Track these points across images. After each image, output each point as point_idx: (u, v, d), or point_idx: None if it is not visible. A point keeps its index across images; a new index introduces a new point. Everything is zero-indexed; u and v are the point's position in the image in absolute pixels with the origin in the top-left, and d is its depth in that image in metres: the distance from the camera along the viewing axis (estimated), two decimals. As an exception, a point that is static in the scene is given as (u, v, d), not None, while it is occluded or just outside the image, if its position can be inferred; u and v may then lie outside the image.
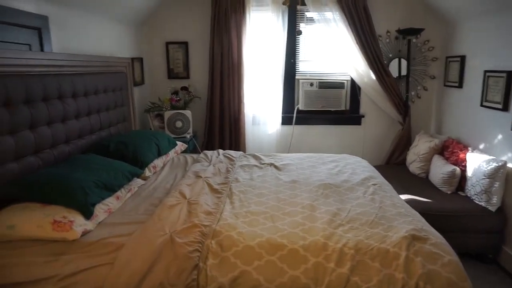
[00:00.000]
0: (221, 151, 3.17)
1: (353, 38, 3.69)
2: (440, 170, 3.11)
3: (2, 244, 1.60)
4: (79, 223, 1.69)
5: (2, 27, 1.96)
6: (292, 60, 4.01)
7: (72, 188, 1.78)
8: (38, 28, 2.24)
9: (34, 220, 1.63)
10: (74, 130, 2.42)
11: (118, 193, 2.10)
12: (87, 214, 1.75)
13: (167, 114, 3.68)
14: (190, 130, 3.76)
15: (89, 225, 1.74)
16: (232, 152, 3.14)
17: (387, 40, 3.88)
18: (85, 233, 1.70)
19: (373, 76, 3.78)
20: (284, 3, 2.48)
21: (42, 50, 2.27)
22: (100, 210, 1.88)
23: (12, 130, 1.85)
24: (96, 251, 1.59)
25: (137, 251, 1.57)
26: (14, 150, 1.85)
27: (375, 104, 4.00)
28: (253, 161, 2.96)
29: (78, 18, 2.73)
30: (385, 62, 3.85)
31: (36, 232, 1.61)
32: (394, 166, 3.85)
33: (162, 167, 2.82)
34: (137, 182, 2.40)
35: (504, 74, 2.73)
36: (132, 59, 3.50)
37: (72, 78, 2.39)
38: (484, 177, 2.70)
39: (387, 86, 3.80)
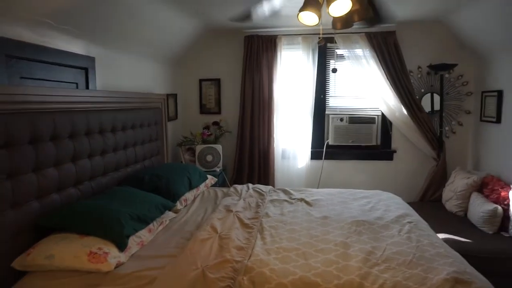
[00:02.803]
0: (250, 185, 3.18)
1: (384, 74, 3.71)
2: (480, 208, 2.95)
3: (41, 273, 1.65)
4: (114, 255, 1.72)
5: (54, 67, 2.13)
6: (322, 96, 4.06)
7: (109, 219, 1.83)
8: (85, 68, 2.41)
9: (72, 251, 1.67)
10: (112, 162, 2.52)
11: (151, 225, 2.13)
12: (122, 246, 1.78)
13: (199, 148, 3.77)
14: (220, 164, 3.82)
15: (122, 257, 1.77)
16: (262, 187, 3.14)
17: (419, 76, 3.86)
18: (118, 265, 1.72)
19: (404, 111, 3.74)
20: (319, 43, 2.55)
21: (87, 88, 2.43)
22: (133, 243, 1.91)
23: (57, 162, 1.96)
24: (130, 284, 1.60)
25: (170, 285, 1.57)
26: (58, 182, 1.95)
27: (407, 139, 3.93)
28: (283, 196, 2.94)
29: (119, 58, 2.93)
30: (417, 97, 3.82)
31: (73, 263, 1.65)
32: (429, 204, 3.70)
33: (193, 201, 2.85)
34: (169, 215, 2.43)
35: (545, 109, 2.63)
36: (167, 95, 3.66)
37: (112, 113, 2.53)
38: (529, 217, 2.54)
39: (420, 121, 3.74)
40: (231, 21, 3.24)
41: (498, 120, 3.33)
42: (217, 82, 4.19)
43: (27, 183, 1.74)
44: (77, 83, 2.35)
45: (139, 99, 3.00)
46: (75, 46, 2.34)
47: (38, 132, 1.81)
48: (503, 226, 2.84)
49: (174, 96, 4.03)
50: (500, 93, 3.30)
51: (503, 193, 2.92)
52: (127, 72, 3.07)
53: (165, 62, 3.83)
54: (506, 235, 2.79)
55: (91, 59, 2.48)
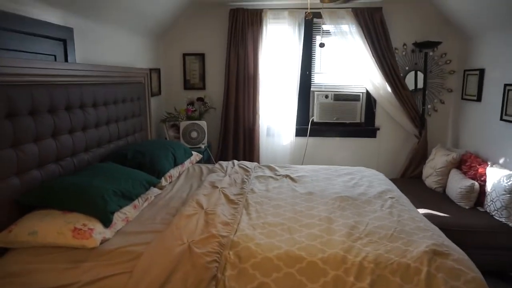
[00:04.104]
0: (236, 161, 3.18)
1: (369, 50, 3.70)
2: (458, 184, 3.05)
3: (24, 250, 1.62)
4: (99, 231, 1.70)
5: (29, 38, 2.03)
6: (307, 72, 4.03)
7: (92, 196, 1.81)
8: (64, 39, 2.30)
9: (56, 227, 1.65)
10: (94, 138, 2.46)
11: (136, 202, 2.12)
12: (107, 222, 1.77)
13: (183, 124, 3.72)
14: (205, 141, 3.79)
15: (107, 233, 1.76)
16: (247, 163, 3.15)
17: (404, 53, 3.87)
18: (103, 241, 1.71)
19: (389, 89, 3.77)
20: (306, 17, 2.51)
21: (66, 60, 2.34)
22: (118, 219, 1.89)
23: (37, 137, 1.90)
24: (115, 260, 1.60)
25: (156, 260, 1.58)
26: (38, 158, 1.89)
27: (391, 117, 3.98)
28: (268, 172, 2.96)
29: (100, 30, 2.81)
30: (401, 75, 3.84)
31: (56, 239, 1.63)
32: (409, 180, 3.80)
33: (178, 177, 2.84)
34: (154, 191, 2.41)
35: (524, 88, 2.69)
36: (150, 70, 3.57)
37: (93, 88, 2.45)
38: (504, 193, 2.64)
39: (403, 99, 3.78)
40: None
41: (479, 98, 3.40)
42: (201, 57, 4.10)
43: (5, 158, 1.68)
44: (55, 55, 2.25)
45: (121, 73, 2.91)
46: (52, 16, 2.22)
47: (15, 106, 1.74)
48: (479, 201, 2.95)
49: (158, 71, 3.93)
50: (481, 72, 3.35)
51: (480, 170, 3.02)
52: (108, 45, 2.96)
53: (148, 35, 3.70)
54: (482, 210, 2.91)
55: (70, 30, 2.37)
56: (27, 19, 1.99)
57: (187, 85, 4.17)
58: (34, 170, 1.88)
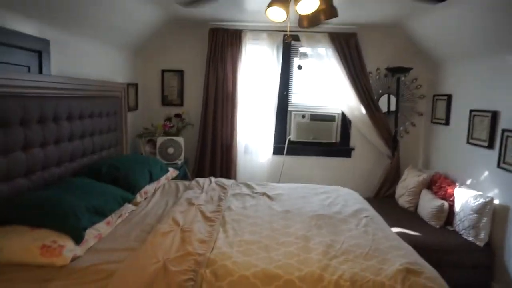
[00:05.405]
0: (213, 178, 3.16)
1: (345, 73, 3.83)
2: (428, 204, 3.15)
3: (-13, 268, 1.53)
4: (69, 248, 1.64)
5: (3, 48, 1.97)
6: (285, 92, 4.11)
7: (63, 211, 1.74)
8: (39, 51, 2.26)
9: (22, 244, 1.58)
10: (67, 152, 2.39)
11: (109, 218, 2.06)
12: (78, 239, 1.71)
13: (160, 140, 3.68)
14: (182, 157, 3.75)
15: (78, 250, 1.69)
16: (224, 180, 3.13)
17: (377, 77, 4.03)
18: (74, 258, 1.65)
19: (363, 111, 3.89)
20: (286, 40, 2.59)
21: (40, 72, 2.28)
22: (90, 235, 1.83)
23: (5, 150, 1.83)
24: (86, 278, 1.54)
25: (129, 279, 1.53)
26: (6, 171, 1.82)
27: (365, 138, 4.09)
28: (245, 190, 2.95)
29: (77, 43, 2.77)
30: (375, 97, 3.98)
31: (23, 257, 1.56)
32: (383, 199, 3.89)
33: (153, 193, 2.78)
34: (128, 207, 2.35)
35: (488, 114, 2.86)
36: (128, 84, 3.53)
37: (69, 101, 2.40)
38: (471, 213, 2.75)
39: (377, 121, 3.91)
40: (178, 4, 3.01)
41: (447, 122, 3.56)
42: (180, 73, 4.10)
43: (-29, 171, 1.60)
44: (29, 67, 2.19)
45: (97, 87, 2.85)
46: (28, 27, 2.18)
47: (-17, 117, 1.67)
48: (449, 221, 3.06)
49: (135, 86, 3.89)
50: (449, 97, 3.53)
51: (449, 190, 3.13)
52: (85, 58, 2.91)
53: (126, 50, 3.68)
54: (451, 229, 3.01)
55: (46, 42, 2.33)
56: (1, 29, 1.94)
57: (165, 101, 4.15)
58: (1, 184, 1.80)
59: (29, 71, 2.20)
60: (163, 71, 4.10)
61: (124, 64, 3.68)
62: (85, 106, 2.61)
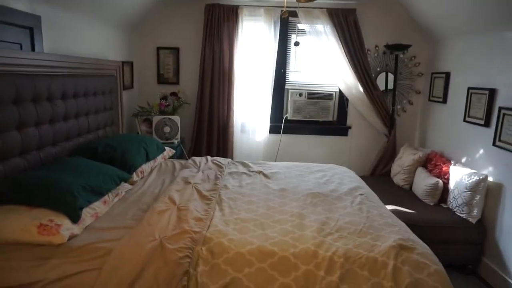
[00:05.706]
0: (209, 157, 3.17)
1: (343, 51, 3.78)
2: (423, 182, 3.18)
3: (-15, 247, 1.55)
4: (66, 227, 1.65)
5: (-7, 25, 1.93)
6: (282, 70, 4.06)
7: (60, 191, 1.75)
8: (30, 27, 2.20)
9: (20, 224, 1.59)
10: (62, 132, 2.38)
11: (106, 197, 2.07)
12: (75, 218, 1.72)
13: (156, 119, 3.66)
14: (178, 136, 3.74)
15: (75, 229, 1.71)
16: (220, 159, 3.14)
17: (376, 55, 3.98)
18: (71, 237, 1.67)
19: (361, 89, 3.86)
20: (283, 15, 2.53)
21: (33, 50, 2.24)
22: (87, 214, 1.84)
23: (0, 130, 1.81)
24: (83, 256, 1.56)
25: (126, 257, 1.55)
26: (1, 151, 1.81)
27: (362, 116, 4.08)
28: (241, 169, 2.97)
29: (70, 19, 2.71)
30: (373, 75, 3.94)
31: (21, 236, 1.57)
32: (379, 177, 3.92)
33: (150, 172, 2.79)
34: (125, 186, 2.36)
35: (486, 92, 2.84)
36: (123, 62, 3.48)
37: (63, 79, 2.36)
38: (465, 190, 2.78)
39: (374, 99, 3.89)
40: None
41: (444, 100, 3.55)
42: (175, 51, 4.04)
43: (-35, 151, 1.60)
44: (21, 44, 2.15)
45: (92, 65, 2.81)
46: (18, 2, 2.12)
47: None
48: (443, 198, 3.10)
49: (130, 64, 3.83)
50: (447, 75, 3.50)
51: (444, 168, 3.16)
52: (78, 35, 2.85)
53: (120, 27, 3.60)
54: (445, 206, 3.05)
55: (37, 18, 2.27)
56: (-10, 4, 1.89)
57: (161, 79, 4.10)
58: (-3, 163, 1.80)
59: (21, 48, 2.15)
60: (159, 48, 4.03)
61: (118, 41, 3.61)
62: (79, 85, 2.58)
